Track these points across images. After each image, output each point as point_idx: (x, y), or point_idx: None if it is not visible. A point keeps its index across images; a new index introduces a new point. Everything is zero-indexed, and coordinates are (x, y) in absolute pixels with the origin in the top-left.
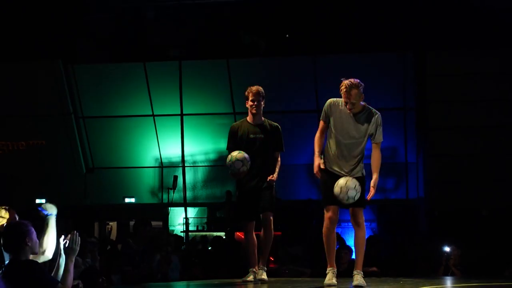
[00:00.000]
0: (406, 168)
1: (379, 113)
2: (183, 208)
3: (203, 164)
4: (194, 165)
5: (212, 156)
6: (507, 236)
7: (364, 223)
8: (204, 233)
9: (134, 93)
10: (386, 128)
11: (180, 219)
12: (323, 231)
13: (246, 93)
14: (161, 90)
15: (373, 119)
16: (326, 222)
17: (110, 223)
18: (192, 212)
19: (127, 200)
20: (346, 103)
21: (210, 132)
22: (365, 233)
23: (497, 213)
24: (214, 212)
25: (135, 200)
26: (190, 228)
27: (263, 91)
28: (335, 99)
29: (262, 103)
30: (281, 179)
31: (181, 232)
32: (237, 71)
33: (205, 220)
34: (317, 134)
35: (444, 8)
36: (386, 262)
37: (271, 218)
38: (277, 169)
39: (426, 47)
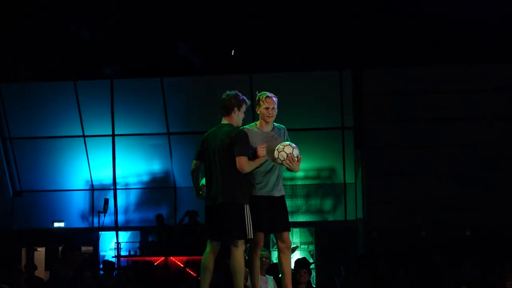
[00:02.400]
0: (344, 189)
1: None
2: (114, 233)
3: (135, 187)
4: (126, 187)
5: (145, 178)
6: (445, 255)
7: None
8: (136, 258)
9: (64, 113)
10: (324, 149)
11: (111, 244)
12: (250, 258)
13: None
14: (92, 110)
15: (283, 131)
16: (253, 249)
17: (38, 249)
18: (124, 236)
19: (56, 224)
20: (267, 115)
21: (142, 153)
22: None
23: (436, 233)
24: (147, 237)
25: (65, 224)
26: (122, 253)
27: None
28: (245, 127)
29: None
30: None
31: (112, 257)
32: (171, 90)
33: (137, 245)
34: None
35: (380, 26)
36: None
37: None
38: None
39: (362, 65)
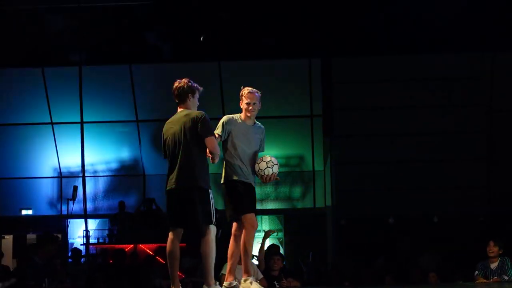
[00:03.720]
0: (313, 177)
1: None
2: (83, 220)
3: (104, 174)
4: (95, 175)
5: (113, 165)
6: (412, 242)
7: None
8: (105, 246)
9: (32, 100)
10: (293, 136)
11: (80, 232)
12: (246, 240)
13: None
14: (60, 97)
15: (262, 131)
16: (248, 230)
17: (5, 236)
18: (92, 224)
19: (24, 212)
20: (248, 109)
21: (111, 141)
22: None
23: (403, 221)
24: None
25: (33, 212)
26: (91, 240)
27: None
28: (230, 115)
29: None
30: None
31: (81, 245)
32: (140, 77)
33: (106, 232)
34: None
35: (349, 14)
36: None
37: None
38: None
39: (331, 53)
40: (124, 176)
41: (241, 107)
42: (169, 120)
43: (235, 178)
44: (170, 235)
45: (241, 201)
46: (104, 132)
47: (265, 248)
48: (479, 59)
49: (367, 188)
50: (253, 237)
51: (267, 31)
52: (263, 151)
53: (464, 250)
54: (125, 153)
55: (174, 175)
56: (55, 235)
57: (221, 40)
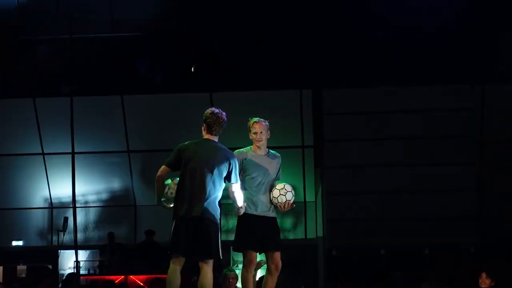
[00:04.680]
0: (304, 207)
1: (279, 154)
2: (73, 251)
3: (95, 205)
4: (86, 205)
5: (104, 196)
6: (403, 273)
7: None
8: (95, 277)
9: (23, 130)
10: (285, 167)
11: (70, 263)
12: (245, 276)
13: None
14: (51, 127)
15: (278, 160)
16: (247, 267)
17: None
18: (83, 255)
19: (14, 243)
20: (256, 139)
21: (102, 171)
22: None
23: (395, 252)
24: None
25: (23, 243)
26: (82, 272)
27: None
28: (240, 150)
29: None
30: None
31: None
32: (131, 108)
33: (97, 263)
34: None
35: (340, 46)
36: None
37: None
38: None
39: (322, 85)
40: (115, 207)
41: (250, 138)
42: (196, 141)
43: (249, 212)
44: (173, 264)
45: (245, 237)
46: (95, 162)
47: (257, 279)
48: (469, 91)
49: (358, 219)
50: (250, 273)
51: (258, 62)
52: (279, 178)
53: (454, 281)
54: (116, 184)
55: (192, 204)
56: (46, 266)
57: (212, 70)
